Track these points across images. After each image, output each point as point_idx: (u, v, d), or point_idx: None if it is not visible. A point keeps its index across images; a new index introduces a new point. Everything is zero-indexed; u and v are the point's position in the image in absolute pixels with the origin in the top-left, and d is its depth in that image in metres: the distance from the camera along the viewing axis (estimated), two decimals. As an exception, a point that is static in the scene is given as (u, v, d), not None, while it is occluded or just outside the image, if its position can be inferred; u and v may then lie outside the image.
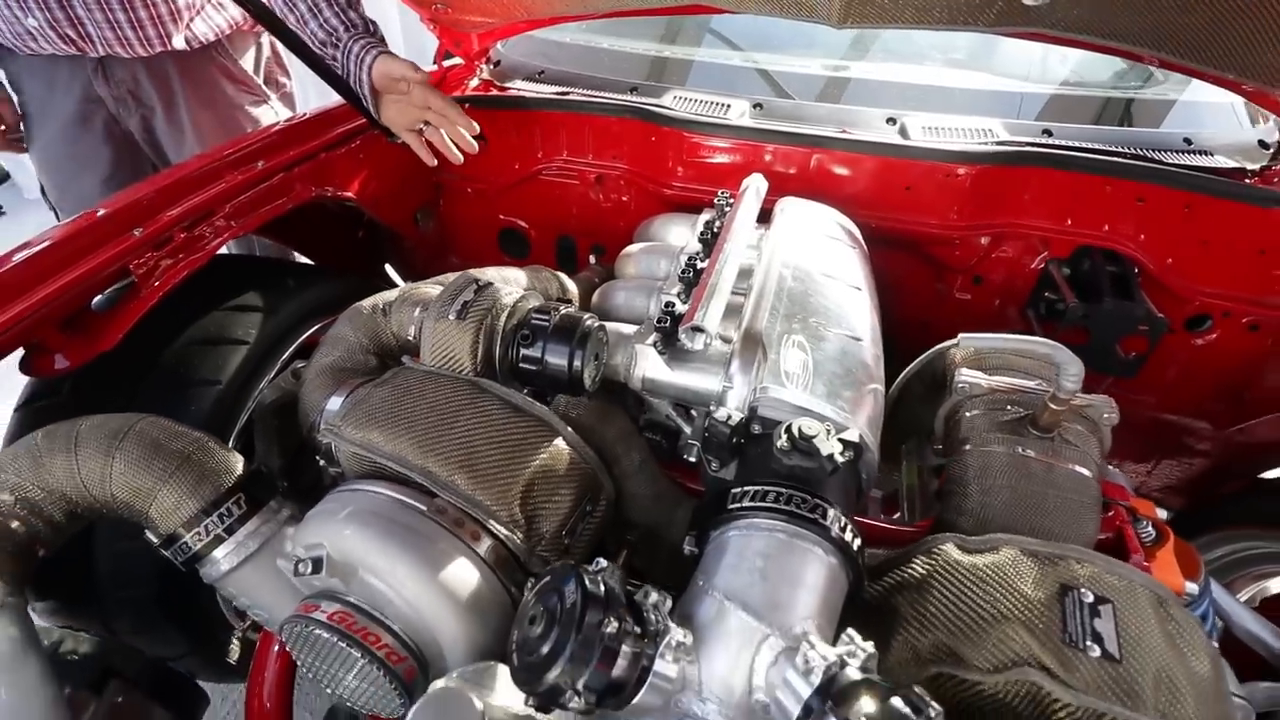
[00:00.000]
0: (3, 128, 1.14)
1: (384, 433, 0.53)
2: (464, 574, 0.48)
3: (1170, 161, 0.87)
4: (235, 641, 0.72)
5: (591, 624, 0.37)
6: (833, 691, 0.36)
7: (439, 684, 0.42)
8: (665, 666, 0.40)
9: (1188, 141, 0.92)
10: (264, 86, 1.25)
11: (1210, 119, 0.97)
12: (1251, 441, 0.94)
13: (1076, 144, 0.89)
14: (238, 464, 0.55)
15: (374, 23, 0.89)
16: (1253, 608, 0.79)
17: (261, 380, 0.78)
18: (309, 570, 0.47)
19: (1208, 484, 1.06)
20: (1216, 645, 0.65)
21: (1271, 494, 0.94)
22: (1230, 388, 0.94)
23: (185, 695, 0.63)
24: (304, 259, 1.16)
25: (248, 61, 1.22)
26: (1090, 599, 0.43)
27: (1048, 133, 0.91)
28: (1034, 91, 0.99)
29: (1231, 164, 0.89)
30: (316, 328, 0.88)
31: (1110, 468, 0.70)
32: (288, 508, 0.55)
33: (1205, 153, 0.91)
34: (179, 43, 1.08)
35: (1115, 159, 0.85)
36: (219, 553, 0.51)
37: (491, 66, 1.21)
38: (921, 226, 0.93)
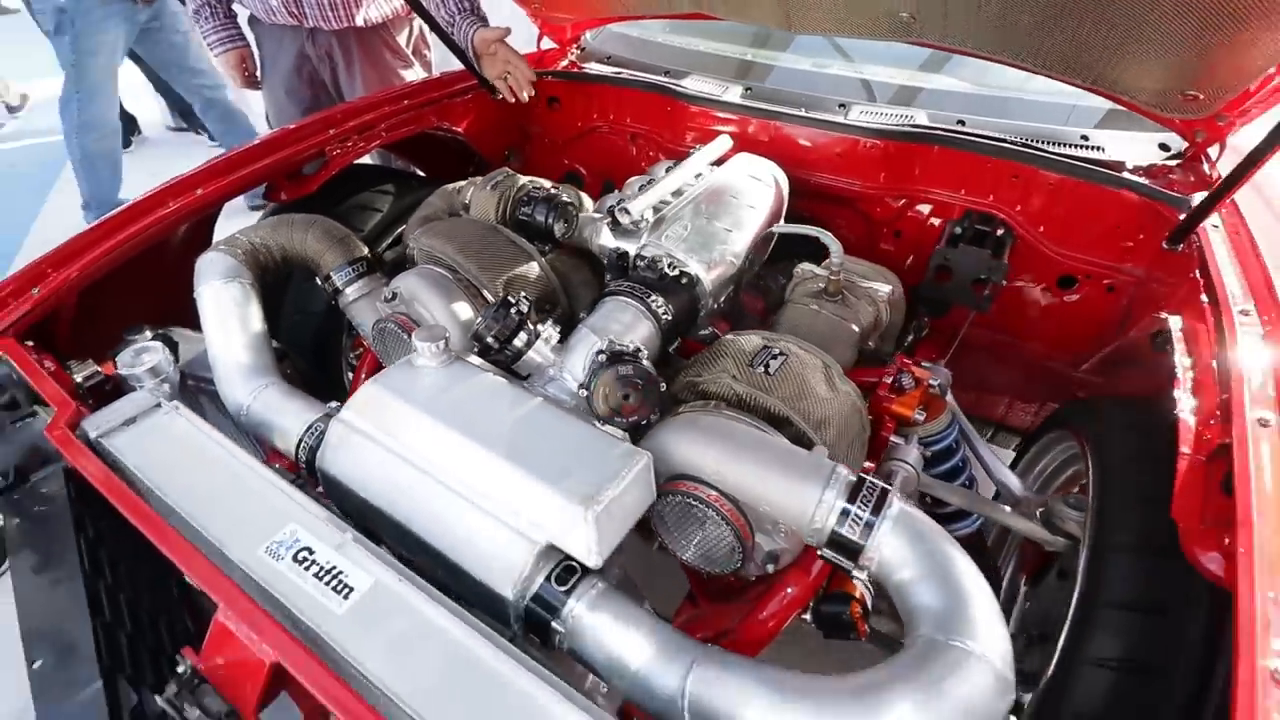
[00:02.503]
0: (249, 72, 1.75)
1: (438, 241, 0.96)
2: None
3: (1055, 150, 1.11)
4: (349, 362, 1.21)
5: (507, 324, 0.76)
6: (618, 358, 0.72)
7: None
8: (540, 347, 0.78)
9: (1084, 138, 1.14)
10: (411, 56, 1.77)
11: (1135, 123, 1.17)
12: (1091, 379, 1.15)
13: (979, 131, 1.15)
14: (363, 251, 1.00)
15: (478, 5, 1.35)
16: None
17: (386, 231, 1.25)
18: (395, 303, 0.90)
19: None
20: (969, 477, 0.93)
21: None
22: (1095, 339, 1.14)
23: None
24: (422, 174, 1.65)
25: (402, 38, 1.74)
26: (776, 352, 0.75)
27: (961, 122, 1.17)
28: (963, 91, 1.25)
29: (1116, 158, 1.11)
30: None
31: (938, 366, 0.99)
32: (382, 278, 0.99)
33: (1096, 148, 1.13)
34: (359, 21, 1.60)
35: (998, 143, 1.11)
36: (348, 290, 0.96)
37: (579, 51, 1.63)
38: (850, 186, 1.22)
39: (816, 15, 1.06)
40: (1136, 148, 1.13)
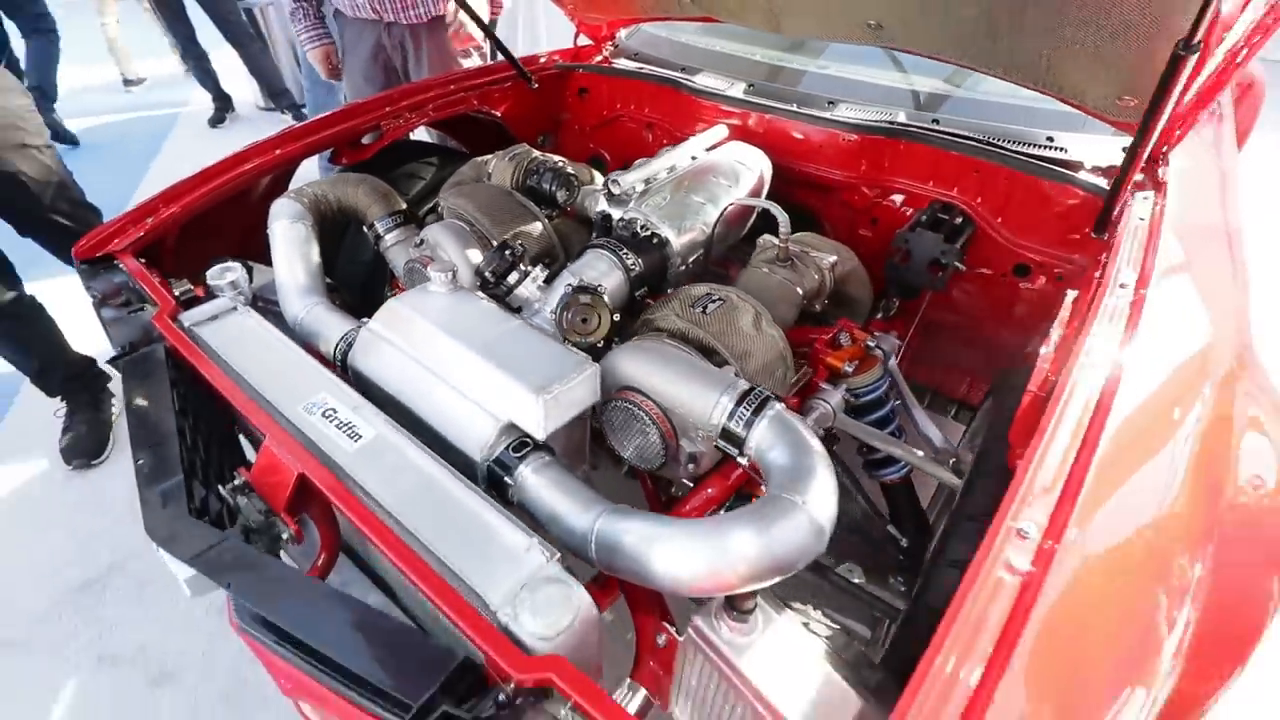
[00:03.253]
0: (333, 64, 2.01)
1: (461, 200, 1.15)
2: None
3: (1015, 149, 1.21)
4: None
5: (502, 264, 0.95)
6: (582, 290, 0.89)
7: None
8: (528, 285, 0.96)
9: (1050, 139, 1.24)
10: (471, 46, 1.99)
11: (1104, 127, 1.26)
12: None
13: (944, 129, 1.26)
14: (401, 205, 1.21)
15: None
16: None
17: (429, 196, 1.46)
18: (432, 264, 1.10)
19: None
20: (897, 428, 1.07)
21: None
22: (1047, 324, 1.24)
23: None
24: (466, 151, 1.86)
25: (464, 30, 1.97)
26: (716, 298, 0.91)
27: (936, 121, 1.29)
28: (944, 93, 1.36)
29: (1076, 159, 1.20)
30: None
31: (887, 335, 1.12)
32: (415, 228, 1.20)
33: (1060, 148, 1.23)
34: (426, 17, 1.83)
35: (960, 140, 1.22)
36: (387, 236, 1.18)
37: (613, 47, 1.82)
38: (832, 176, 1.36)
39: (801, 21, 1.21)
40: (1102, 149, 1.22)
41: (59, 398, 1.68)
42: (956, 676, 0.46)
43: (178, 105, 4.20)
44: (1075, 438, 0.61)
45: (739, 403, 0.75)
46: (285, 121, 3.86)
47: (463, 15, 1.93)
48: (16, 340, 1.55)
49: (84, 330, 1.76)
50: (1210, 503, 0.67)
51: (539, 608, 0.58)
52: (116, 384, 1.80)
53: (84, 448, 1.62)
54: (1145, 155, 0.87)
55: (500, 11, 2.07)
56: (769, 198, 1.34)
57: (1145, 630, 0.58)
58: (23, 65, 3.24)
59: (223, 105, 3.97)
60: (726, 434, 0.75)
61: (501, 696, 0.53)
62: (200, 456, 0.80)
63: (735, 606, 0.67)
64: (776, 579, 0.62)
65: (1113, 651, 0.56)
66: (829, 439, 0.96)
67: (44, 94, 3.47)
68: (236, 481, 0.73)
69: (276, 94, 3.86)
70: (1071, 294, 0.90)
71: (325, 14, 1.97)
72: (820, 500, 0.65)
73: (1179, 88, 0.80)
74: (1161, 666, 0.58)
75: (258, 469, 0.75)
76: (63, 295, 1.61)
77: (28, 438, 1.72)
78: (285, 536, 0.72)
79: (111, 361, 0.91)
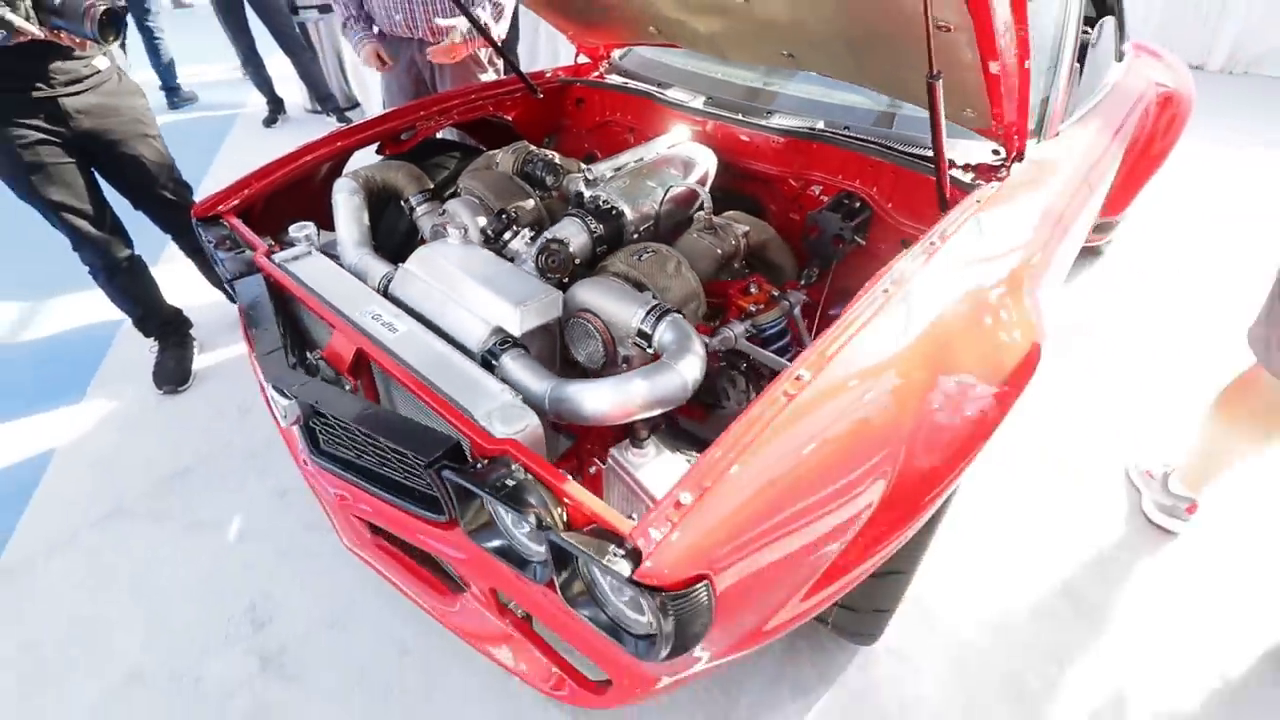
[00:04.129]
0: (381, 58, 2.42)
1: (475, 182, 1.52)
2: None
3: (903, 149, 1.54)
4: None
5: (499, 225, 1.32)
6: (552, 241, 1.26)
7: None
8: (519, 242, 1.33)
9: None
10: (487, 64, 2.39)
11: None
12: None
13: (856, 135, 1.60)
14: (429, 184, 1.59)
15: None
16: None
17: (451, 181, 1.84)
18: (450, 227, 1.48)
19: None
20: (790, 354, 1.41)
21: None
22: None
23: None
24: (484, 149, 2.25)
25: (481, 51, 2.36)
26: (649, 250, 1.26)
27: (847, 128, 1.64)
28: (854, 105, 1.70)
29: (950, 157, 1.53)
30: (478, 172, 1.94)
31: (797, 292, 1.47)
32: (439, 203, 1.57)
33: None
34: (442, 34, 2.23)
35: (864, 143, 1.56)
36: (418, 209, 1.56)
37: (607, 64, 2.19)
38: (768, 170, 1.71)
39: (738, 50, 1.57)
40: (978, 152, 1.55)
41: (153, 338, 2.09)
42: (733, 444, 0.80)
43: (236, 107, 4.69)
44: (844, 326, 0.95)
45: (649, 313, 1.11)
46: (329, 123, 4.32)
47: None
48: (126, 291, 1.97)
49: (174, 286, 2.19)
50: (930, 372, 0.99)
51: (505, 418, 0.94)
52: (197, 330, 2.22)
53: (172, 377, 2.03)
54: (944, 153, 1.21)
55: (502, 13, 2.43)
56: (719, 187, 1.70)
57: (872, 438, 0.91)
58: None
59: (276, 107, 4.45)
60: (641, 334, 1.11)
61: (479, 463, 0.89)
62: (288, 341, 1.18)
63: (635, 439, 1.03)
64: (658, 411, 0.98)
65: (849, 445, 0.89)
66: (738, 356, 1.31)
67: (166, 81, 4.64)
68: (316, 354, 1.11)
69: (323, 98, 4.32)
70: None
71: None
72: (689, 368, 1.00)
73: (941, 106, 1.13)
74: (885, 465, 0.91)
75: (329, 349, 1.13)
76: (159, 259, 2.03)
77: (126, 370, 2.14)
78: (347, 389, 1.09)
79: (228, 282, 1.30)
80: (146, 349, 2.12)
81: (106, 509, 1.66)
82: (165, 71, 4.59)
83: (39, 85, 1.58)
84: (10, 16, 1.35)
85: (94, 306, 2.34)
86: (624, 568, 0.71)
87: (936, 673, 1.37)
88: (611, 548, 0.74)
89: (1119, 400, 2.10)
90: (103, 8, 1.42)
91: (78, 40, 1.54)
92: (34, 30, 1.41)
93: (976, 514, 1.72)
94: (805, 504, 0.84)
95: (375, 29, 2.33)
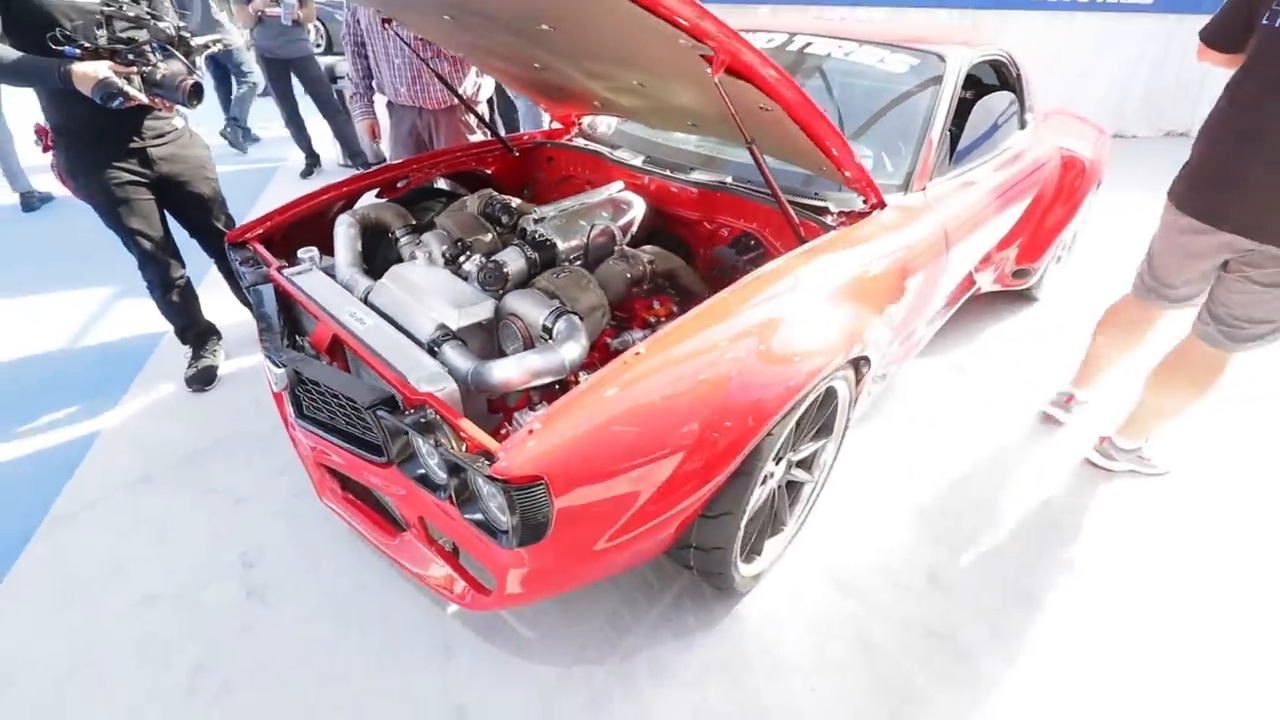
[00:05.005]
0: (375, 133, 2.91)
1: (447, 220, 1.92)
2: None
3: (795, 199, 1.91)
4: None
5: (454, 251, 1.71)
6: (491, 263, 1.64)
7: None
8: (469, 264, 1.72)
9: (816, 194, 1.94)
10: (476, 127, 2.86)
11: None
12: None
13: (752, 187, 1.98)
14: (413, 221, 2.00)
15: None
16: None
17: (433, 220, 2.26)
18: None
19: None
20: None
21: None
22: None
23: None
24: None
25: (471, 118, 2.83)
26: (567, 271, 1.63)
27: (749, 182, 2.01)
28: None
29: (826, 205, 1.89)
30: (460, 214, 2.37)
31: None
32: (418, 235, 1.98)
33: (821, 200, 1.92)
34: (444, 105, 2.71)
35: (759, 192, 1.93)
36: (402, 240, 1.96)
37: (579, 130, 2.64)
38: (690, 215, 2.09)
39: (656, 120, 1.98)
40: (850, 202, 1.91)
41: (189, 346, 2.52)
42: (578, 394, 1.14)
43: (279, 160, 5.32)
44: (681, 321, 1.29)
45: (551, 314, 1.47)
46: (357, 175, 4.90)
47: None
48: (175, 306, 2.40)
49: (210, 305, 2.63)
50: (735, 359, 1.31)
51: (430, 381, 1.29)
52: (224, 342, 2.64)
53: (201, 379, 2.44)
54: (784, 199, 1.57)
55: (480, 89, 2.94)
56: (656, 227, 2.09)
57: (687, 399, 1.23)
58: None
59: (313, 161, 5.06)
60: (545, 329, 1.47)
61: (407, 411, 1.24)
62: (285, 331, 1.56)
63: (531, 406, 1.37)
64: (545, 379, 1.33)
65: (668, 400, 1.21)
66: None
67: (239, 123, 5.40)
68: (304, 339, 1.49)
69: (353, 155, 4.92)
70: (764, 276, 1.58)
71: (376, 100, 2.90)
72: (569, 351, 1.35)
73: (764, 164, 1.50)
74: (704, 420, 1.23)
75: (314, 335, 1.51)
76: (202, 282, 2.48)
77: (163, 371, 2.56)
78: (325, 362, 1.46)
79: (247, 288, 1.70)
80: (181, 355, 2.54)
81: (137, 476, 2.03)
82: (239, 108, 5.33)
83: (134, 138, 2.07)
84: (127, 87, 1.82)
85: (141, 320, 2.80)
86: (485, 467, 1.05)
87: (796, 629, 1.63)
88: (483, 460, 1.08)
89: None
90: (191, 81, 1.92)
91: (169, 105, 2.03)
92: (141, 97, 1.88)
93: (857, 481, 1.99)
94: (629, 444, 1.16)
95: (380, 101, 2.84)
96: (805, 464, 1.79)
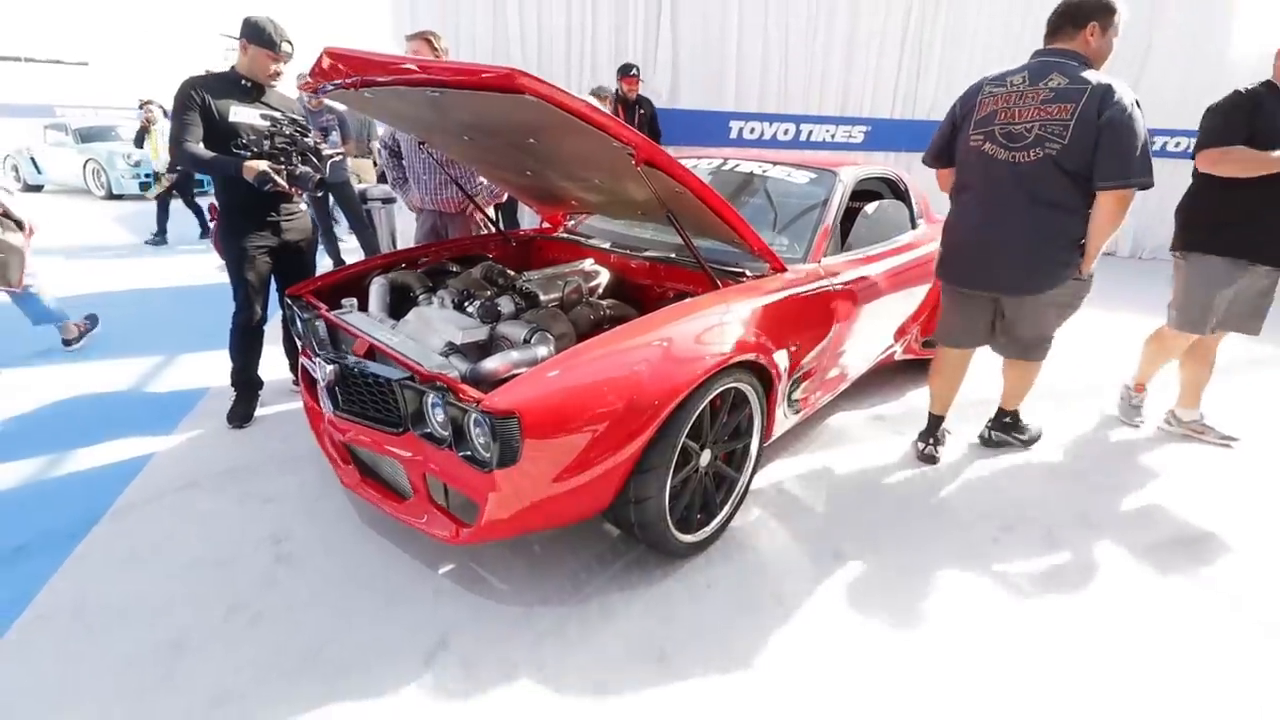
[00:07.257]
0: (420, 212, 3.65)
1: (457, 282, 2.54)
2: (456, 302, 2.46)
3: (719, 265, 2.53)
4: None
5: (462, 298, 2.31)
6: (486, 303, 2.22)
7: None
8: (471, 307, 2.30)
9: (737, 264, 2.56)
10: (483, 224, 3.60)
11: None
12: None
13: (687, 260, 2.61)
14: (429, 284, 2.61)
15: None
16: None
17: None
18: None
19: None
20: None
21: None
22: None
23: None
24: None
25: (479, 216, 3.58)
26: (545, 309, 2.20)
27: (685, 260, 2.65)
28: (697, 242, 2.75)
29: (743, 271, 2.51)
30: (465, 286, 3.00)
31: None
32: (433, 293, 2.57)
33: (739, 267, 2.54)
34: (458, 208, 3.45)
35: (689, 262, 2.56)
36: (421, 298, 2.56)
37: (565, 227, 3.35)
38: (643, 282, 2.71)
39: (615, 211, 2.67)
40: (761, 269, 2.53)
41: (235, 390, 3.03)
42: (551, 363, 1.67)
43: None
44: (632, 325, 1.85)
45: (529, 332, 2.02)
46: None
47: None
48: (245, 347, 2.95)
49: (262, 361, 3.18)
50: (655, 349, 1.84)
51: (439, 367, 1.81)
52: (264, 392, 3.16)
53: (240, 417, 2.92)
54: (702, 257, 2.18)
55: (501, 200, 3.69)
56: (618, 293, 2.70)
57: (625, 377, 1.74)
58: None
59: (339, 261, 5.85)
60: (525, 341, 2.01)
61: (425, 389, 1.76)
62: (329, 345, 2.10)
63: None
64: (523, 369, 1.85)
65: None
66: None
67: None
68: (349, 349, 2.03)
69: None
70: (689, 311, 2.15)
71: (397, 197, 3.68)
72: (542, 351, 1.89)
73: (685, 231, 2.14)
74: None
75: (355, 347, 2.05)
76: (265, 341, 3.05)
77: (210, 412, 3.05)
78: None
79: (303, 323, 2.26)
80: (226, 399, 3.05)
81: (185, 483, 2.47)
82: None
83: (271, 214, 2.85)
84: (277, 178, 2.62)
85: (197, 371, 3.33)
86: (476, 408, 1.55)
87: (729, 586, 2.01)
88: (475, 405, 1.58)
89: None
90: (317, 178, 2.75)
91: (299, 192, 2.84)
92: (283, 185, 2.66)
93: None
94: (578, 403, 1.67)
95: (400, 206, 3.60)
96: (733, 462, 2.25)
